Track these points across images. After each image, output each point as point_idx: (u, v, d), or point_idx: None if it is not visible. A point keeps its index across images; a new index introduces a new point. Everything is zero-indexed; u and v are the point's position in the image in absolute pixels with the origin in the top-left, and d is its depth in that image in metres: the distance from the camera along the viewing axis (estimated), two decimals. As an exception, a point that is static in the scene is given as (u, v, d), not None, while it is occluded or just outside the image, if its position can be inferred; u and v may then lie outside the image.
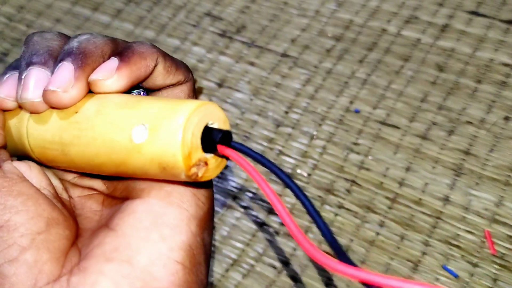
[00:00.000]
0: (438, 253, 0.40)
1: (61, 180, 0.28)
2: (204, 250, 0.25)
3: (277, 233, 0.43)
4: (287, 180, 0.23)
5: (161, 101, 0.24)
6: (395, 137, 0.46)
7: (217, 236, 0.43)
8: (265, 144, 0.47)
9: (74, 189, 0.28)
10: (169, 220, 0.24)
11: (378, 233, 0.42)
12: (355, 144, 0.46)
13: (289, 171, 0.45)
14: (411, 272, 0.40)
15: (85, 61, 0.25)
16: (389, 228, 0.42)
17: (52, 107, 0.26)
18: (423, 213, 0.42)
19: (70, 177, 0.28)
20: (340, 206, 0.43)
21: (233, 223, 0.43)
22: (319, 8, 0.55)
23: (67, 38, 0.27)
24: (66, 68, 0.25)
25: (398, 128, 0.46)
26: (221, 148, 0.23)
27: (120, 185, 0.27)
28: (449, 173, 0.43)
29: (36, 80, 0.25)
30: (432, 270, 0.40)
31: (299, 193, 0.23)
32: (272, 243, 0.42)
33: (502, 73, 0.48)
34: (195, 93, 0.29)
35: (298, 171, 0.45)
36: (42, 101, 0.25)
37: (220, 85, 0.51)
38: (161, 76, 0.27)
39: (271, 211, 0.43)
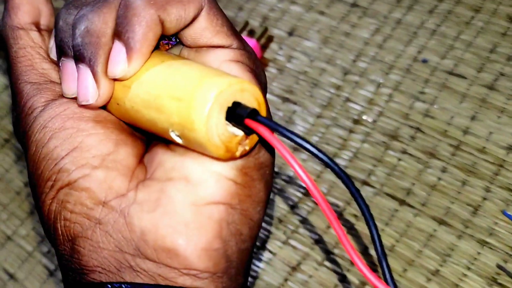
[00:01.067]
0: (499, 199, 0.41)
1: None
2: (260, 168, 0.26)
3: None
4: (323, 157, 0.23)
5: (179, 96, 0.24)
6: (462, 87, 0.46)
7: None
8: (332, 91, 0.49)
9: None
10: None
11: (440, 178, 0.43)
12: (421, 93, 0.47)
13: (355, 117, 0.47)
14: (470, 216, 0.41)
15: (98, 58, 0.25)
16: (451, 174, 0.43)
17: None
18: (486, 160, 0.43)
19: None
20: (404, 152, 0.45)
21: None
22: (390, -42, 0.55)
23: (72, 14, 0.26)
24: (85, 77, 0.25)
25: (465, 78, 0.47)
26: (250, 123, 0.23)
27: None
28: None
29: (68, 76, 0.26)
30: (491, 215, 0.41)
31: (333, 166, 0.23)
32: (335, 184, 0.44)
33: None
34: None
35: (364, 117, 0.47)
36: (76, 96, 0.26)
37: (290, 33, 0.53)
38: (175, 21, 0.25)
39: (336, 155, 0.46)
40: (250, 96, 0.24)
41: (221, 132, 0.24)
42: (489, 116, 0.45)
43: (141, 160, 0.27)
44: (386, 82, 0.48)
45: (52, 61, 0.29)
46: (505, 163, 0.43)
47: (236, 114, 0.23)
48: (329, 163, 0.23)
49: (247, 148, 0.25)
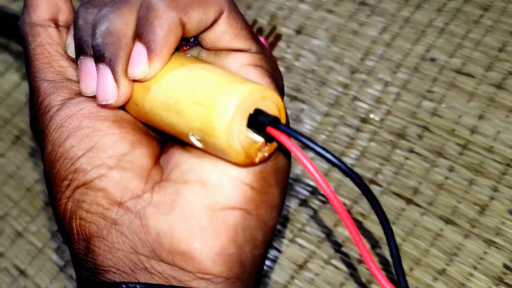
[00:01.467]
0: (506, 198, 0.41)
1: None
2: (276, 174, 0.26)
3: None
4: (342, 166, 0.24)
5: (201, 100, 0.24)
6: (470, 85, 0.46)
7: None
8: (340, 89, 0.49)
9: None
10: None
11: (447, 177, 0.43)
12: (429, 91, 0.47)
13: (362, 116, 0.47)
14: (477, 215, 0.41)
15: (118, 58, 0.25)
16: (459, 173, 0.43)
17: None
18: (494, 160, 0.43)
19: None
20: (411, 151, 0.45)
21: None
22: (399, -44, 0.55)
23: (93, 13, 0.27)
24: (105, 77, 0.25)
25: (473, 77, 0.47)
26: (270, 130, 0.23)
27: None
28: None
29: (87, 74, 0.26)
30: (499, 214, 0.41)
31: (351, 174, 0.24)
32: (343, 183, 0.45)
33: None
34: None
35: (371, 116, 0.47)
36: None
37: (298, 32, 0.53)
38: (195, 25, 0.25)
39: (342, 153, 0.46)
40: (271, 103, 0.24)
41: (242, 139, 0.24)
42: (497, 115, 0.45)
43: (156, 161, 0.27)
44: (393, 80, 0.48)
45: (69, 58, 0.29)
46: (513, 162, 0.42)
47: (258, 121, 0.24)
48: (352, 175, 0.24)
49: (266, 154, 0.25)
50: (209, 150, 0.25)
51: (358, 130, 0.47)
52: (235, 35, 0.26)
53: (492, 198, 0.42)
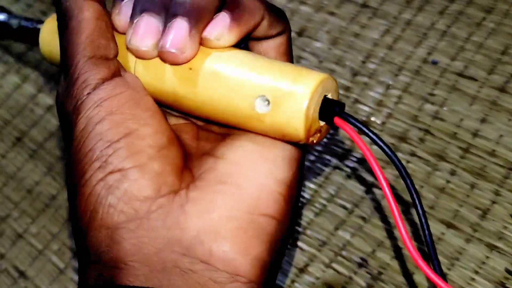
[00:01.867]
0: (508, 202, 0.41)
1: None
2: (297, 184, 0.27)
3: (349, 177, 0.45)
4: (396, 162, 0.27)
5: (281, 69, 0.25)
6: (472, 89, 0.46)
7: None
8: (341, 92, 0.49)
9: (169, 117, 0.30)
10: (276, 157, 0.26)
11: (448, 181, 0.43)
12: (431, 94, 0.47)
13: (364, 118, 0.47)
14: (479, 219, 0.41)
15: (199, 19, 0.26)
16: (460, 176, 0.43)
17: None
18: (496, 163, 0.43)
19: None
20: (412, 154, 0.45)
21: (307, 165, 0.46)
22: (401, -42, 0.55)
23: None
24: (182, 27, 0.25)
25: (475, 80, 0.47)
26: (338, 121, 0.26)
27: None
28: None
29: (147, 29, 0.26)
30: (500, 218, 0.41)
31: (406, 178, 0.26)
32: (344, 186, 0.45)
33: None
34: (291, 43, 0.30)
35: (372, 118, 0.47)
36: (150, 50, 0.26)
37: (299, 34, 0.53)
38: (264, 30, 0.27)
39: (343, 156, 0.46)
40: (334, 92, 0.26)
41: (311, 114, 0.25)
42: (499, 119, 0.44)
43: (185, 164, 0.26)
44: (395, 83, 0.48)
45: (111, 35, 0.28)
46: (515, 166, 0.42)
47: (327, 108, 0.26)
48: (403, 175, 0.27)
49: (320, 137, 0.27)
50: (273, 118, 0.25)
51: (359, 132, 0.46)
52: (274, 27, 0.28)
53: (494, 202, 0.41)
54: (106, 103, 0.25)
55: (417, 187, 0.43)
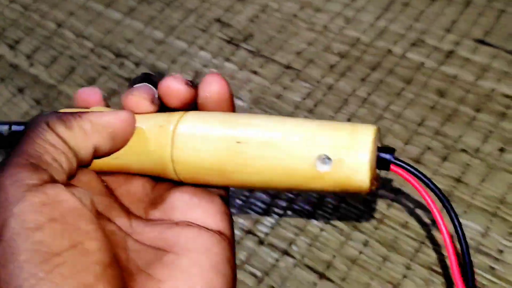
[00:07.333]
0: (419, 277, 0.40)
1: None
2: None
3: (261, 242, 0.43)
4: (446, 203, 0.28)
5: (330, 125, 0.26)
6: (389, 158, 0.46)
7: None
8: (259, 153, 0.47)
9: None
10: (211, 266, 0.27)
11: (361, 252, 0.42)
12: (348, 161, 0.46)
13: (280, 182, 0.46)
14: (389, 294, 0.40)
15: None
16: (373, 248, 0.42)
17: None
18: (408, 236, 0.42)
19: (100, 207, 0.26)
20: (327, 223, 0.43)
21: (219, 229, 0.44)
22: (328, 23, 0.55)
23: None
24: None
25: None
26: (393, 167, 0.27)
27: (152, 232, 0.27)
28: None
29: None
30: (410, 294, 0.40)
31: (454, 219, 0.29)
32: (255, 252, 0.43)
33: (502, 104, 0.48)
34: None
35: (289, 183, 0.46)
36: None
37: (221, 91, 0.52)
38: None
39: (257, 221, 0.44)
40: (379, 140, 0.27)
41: (373, 165, 0.26)
42: (413, 191, 0.44)
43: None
44: (314, 148, 0.47)
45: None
46: (427, 239, 0.42)
47: (381, 156, 0.27)
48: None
49: (378, 184, 0.27)
50: (336, 174, 0.25)
51: (274, 199, 0.45)
52: None
53: (405, 276, 0.40)
54: (46, 209, 0.22)
55: (329, 256, 0.42)
